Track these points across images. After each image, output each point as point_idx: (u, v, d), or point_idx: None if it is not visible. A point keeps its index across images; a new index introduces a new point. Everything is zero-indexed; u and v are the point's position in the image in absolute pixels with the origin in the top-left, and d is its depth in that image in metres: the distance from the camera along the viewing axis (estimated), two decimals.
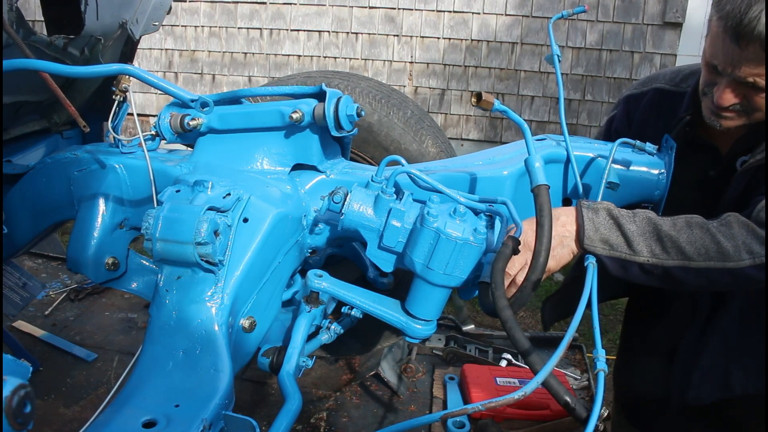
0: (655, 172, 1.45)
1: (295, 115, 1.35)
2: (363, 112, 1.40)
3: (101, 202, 1.56)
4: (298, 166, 1.48)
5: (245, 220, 1.29)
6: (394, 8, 5.32)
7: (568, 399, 0.98)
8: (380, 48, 5.42)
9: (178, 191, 1.29)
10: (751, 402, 1.52)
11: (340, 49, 5.48)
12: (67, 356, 2.66)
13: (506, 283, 1.24)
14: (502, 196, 1.27)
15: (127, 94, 1.55)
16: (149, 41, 5.56)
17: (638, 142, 1.47)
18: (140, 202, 1.55)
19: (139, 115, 2.93)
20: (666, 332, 1.77)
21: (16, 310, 2.19)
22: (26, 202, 1.68)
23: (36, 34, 1.74)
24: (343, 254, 1.63)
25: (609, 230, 1.26)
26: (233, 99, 1.48)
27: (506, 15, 5.21)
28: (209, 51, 5.67)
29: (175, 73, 5.75)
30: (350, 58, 5.49)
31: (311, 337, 1.37)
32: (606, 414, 0.93)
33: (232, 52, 5.64)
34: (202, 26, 5.62)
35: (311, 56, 5.54)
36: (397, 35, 5.37)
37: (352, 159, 1.70)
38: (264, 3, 5.48)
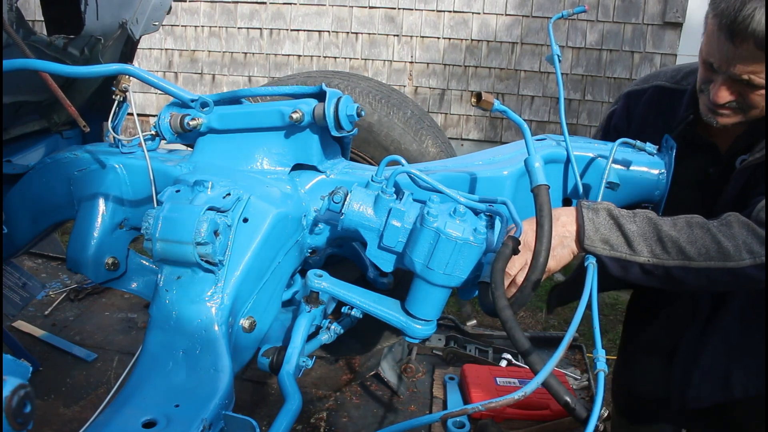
0: (655, 172, 1.45)
1: (295, 115, 1.35)
2: (363, 112, 1.40)
3: (101, 202, 1.56)
4: (298, 166, 1.48)
5: (245, 220, 1.29)
6: (394, 8, 5.32)
7: (568, 399, 0.97)
8: (380, 48, 5.42)
9: (178, 191, 1.28)
10: (752, 403, 1.52)
11: (340, 49, 5.48)
12: (67, 356, 2.66)
13: (506, 283, 1.24)
14: (502, 196, 1.27)
15: (127, 94, 1.55)
16: (149, 41, 5.56)
17: (638, 142, 1.47)
18: (140, 202, 1.55)
19: (139, 115, 2.93)
20: (666, 332, 1.77)
21: (16, 310, 2.19)
22: (26, 202, 1.68)
23: (36, 34, 1.74)
24: (343, 254, 1.63)
25: (609, 230, 1.25)
26: (233, 99, 1.48)
27: (506, 15, 5.21)
28: (209, 51, 5.67)
29: (175, 73, 5.75)
30: (350, 58, 5.49)
31: (311, 337, 1.37)
32: (606, 414, 0.93)
33: (232, 52, 5.64)
34: (202, 26, 5.62)
35: (311, 56, 5.54)
36: (397, 35, 5.37)
37: (352, 159, 1.70)
38: (264, 3, 5.47)
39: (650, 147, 1.47)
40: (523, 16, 5.20)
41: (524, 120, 1.40)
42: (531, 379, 0.90)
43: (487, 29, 5.26)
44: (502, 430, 2.16)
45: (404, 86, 5.45)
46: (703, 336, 1.59)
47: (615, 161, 1.43)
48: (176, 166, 1.47)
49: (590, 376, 2.58)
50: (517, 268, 1.25)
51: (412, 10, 5.31)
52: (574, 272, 1.81)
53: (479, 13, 5.23)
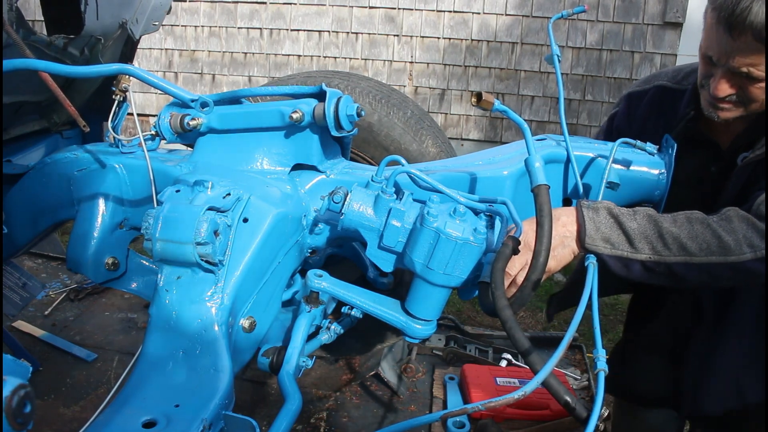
0: (656, 172, 1.45)
1: (295, 115, 1.35)
2: (363, 112, 1.40)
3: (101, 202, 1.56)
4: (298, 166, 1.48)
5: (245, 220, 1.29)
6: (394, 8, 5.32)
7: (568, 399, 0.97)
8: (380, 48, 5.42)
9: (178, 191, 1.28)
10: (763, 408, 1.52)
11: (340, 49, 5.48)
12: (67, 356, 2.66)
13: (506, 283, 1.24)
14: (502, 196, 1.27)
15: (127, 94, 1.55)
16: (149, 41, 5.56)
17: (638, 142, 1.47)
18: (140, 202, 1.55)
19: (139, 115, 2.93)
20: (667, 330, 1.76)
21: (16, 310, 2.19)
22: (26, 202, 1.68)
23: (36, 34, 1.74)
24: (343, 254, 1.63)
25: (610, 229, 1.26)
26: (233, 99, 1.48)
27: (506, 15, 5.21)
28: (209, 51, 5.67)
29: (175, 73, 5.75)
30: (350, 58, 5.49)
31: (311, 337, 1.37)
32: (606, 414, 0.93)
33: (232, 52, 5.64)
34: (202, 26, 5.62)
35: (311, 56, 5.54)
36: (397, 35, 5.37)
37: (352, 159, 1.70)
38: (264, 3, 5.47)
39: (650, 147, 1.47)
40: (523, 16, 5.20)
41: (524, 120, 1.40)
42: (531, 379, 0.90)
43: (487, 29, 5.26)
44: (502, 430, 2.16)
45: (404, 86, 5.45)
46: (713, 342, 1.58)
47: (615, 161, 1.43)
48: (176, 166, 1.47)
49: (590, 376, 2.58)
50: (517, 268, 1.25)
51: (412, 10, 5.31)
52: (572, 276, 1.81)
53: (479, 13, 5.23)
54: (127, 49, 2.16)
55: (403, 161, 1.30)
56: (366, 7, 5.36)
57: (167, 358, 1.17)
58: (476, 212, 1.24)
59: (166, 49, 5.71)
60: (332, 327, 1.41)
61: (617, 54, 5.15)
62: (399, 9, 5.32)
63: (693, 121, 1.55)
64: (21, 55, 1.48)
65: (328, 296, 1.32)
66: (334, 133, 1.37)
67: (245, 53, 5.62)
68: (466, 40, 5.31)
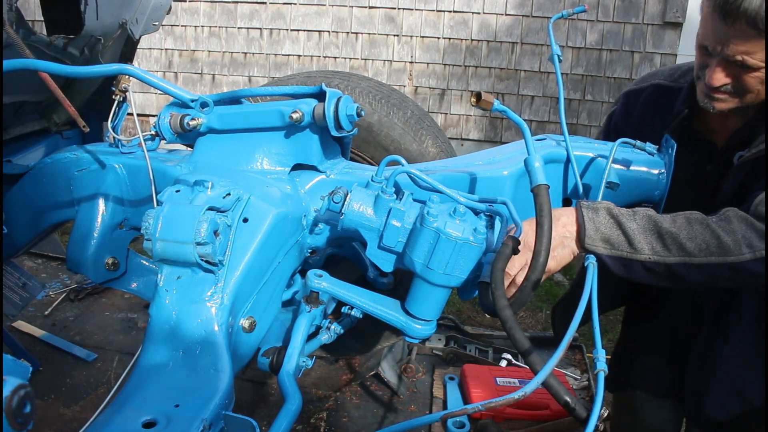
0: (655, 172, 1.45)
1: (295, 115, 1.35)
2: (363, 112, 1.39)
3: (101, 202, 1.56)
4: (298, 166, 1.48)
5: (245, 220, 1.29)
6: (394, 8, 5.32)
7: (568, 399, 0.97)
8: (380, 48, 5.42)
9: (178, 191, 1.28)
10: (761, 410, 1.52)
11: (340, 49, 5.48)
12: (67, 356, 2.67)
13: (506, 283, 1.24)
14: (502, 196, 1.27)
15: (127, 94, 1.55)
16: (149, 41, 5.56)
17: (638, 142, 1.47)
18: (140, 202, 1.55)
19: (139, 115, 2.93)
20: (666, 331, 1.76)
21: (16, 310, 2.19)
22: (26, 202, 1.68)
23: (36, 34, 1.74)
24: (343, 254, 1.63)
25: (610, 229, 1.26)
26: (233, 99, 1.48)
27: (506, 15, 5.21)
28: (209, 51, 5.67)
29: (175, 73, 5.75)
30: (350, 58, 5.49)
31: (311, 337, 1.37)
32: (606, 414, 0.93)
33: (232, 52, 5.64)
34: (202, 26, 5.62)
35: (311, 56, 5.54)
36: (397, 35, 5.37)
37: (352, 159, 1.70)
38: (264, 3, 5.47)
39: (650, 147, 1.47)
40: (523, 16, 5.20)
41: (524, 120, 1.40)
42: (531, 379, 0.90)
43: (487, 29, 5.26)
44: (502, 430, 2.16)
45: (404, 86, 5.45)
46: (713, 342, 1.58)
47: (615, 161, 1.43)
48: (176, 166, 1.47)
49: (590, 376, 2.58)
50: (517, 268, 1.25)
51: (412, 10, 5.31)
52: (573, 282, 1.81)
53: (479, 13, 5.23)
54: (127, 49, 2.16)
55: (403, 161, 1.30)
56: (366, 7, 5.35)
57: (167, 358, 1.17)
58: (476, 212, 1.24)
59: (166, 49, 5.71)
60: (332, 327, 1.41)
61: (617, 54, 5.15)
62: (399, 9, 5.32)
63: (688, 119, 1.55)
64: (21, 55, 1.48)
65: (328, 296, 1.32)
66: (334, 133, 1.37)
67: (245, 53, 5.62)
68: (466, 40, 5.31)
